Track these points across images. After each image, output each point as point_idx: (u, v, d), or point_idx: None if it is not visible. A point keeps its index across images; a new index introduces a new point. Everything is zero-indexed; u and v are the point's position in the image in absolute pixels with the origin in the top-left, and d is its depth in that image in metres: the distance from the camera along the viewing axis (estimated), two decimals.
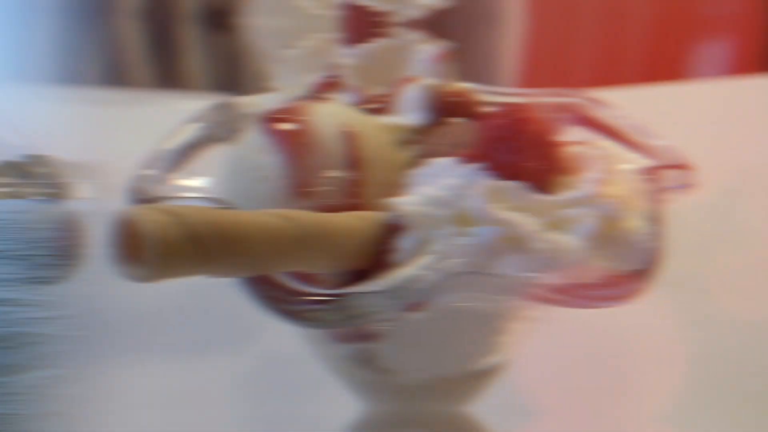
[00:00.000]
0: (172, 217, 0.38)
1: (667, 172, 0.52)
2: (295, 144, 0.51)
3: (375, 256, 0.47)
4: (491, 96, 0.70)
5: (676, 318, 0.91)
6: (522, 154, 0.45)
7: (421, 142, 0.58)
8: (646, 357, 0.88)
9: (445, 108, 0.63)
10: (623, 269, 0.44)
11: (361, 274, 0.48)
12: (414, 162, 0.56)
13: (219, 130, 0.61)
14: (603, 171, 0.46)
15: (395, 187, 0.53)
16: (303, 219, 0.44)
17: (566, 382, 0.85)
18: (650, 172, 0.52)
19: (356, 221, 0.47)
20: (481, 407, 0.58)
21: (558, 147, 0.46)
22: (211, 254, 0.39)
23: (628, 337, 0.89)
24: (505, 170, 0.45)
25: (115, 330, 0.95)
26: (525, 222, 0.43)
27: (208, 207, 0.41)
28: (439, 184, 0.47)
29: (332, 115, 0.53)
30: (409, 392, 0.53)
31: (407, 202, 0.46)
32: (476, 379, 0.54)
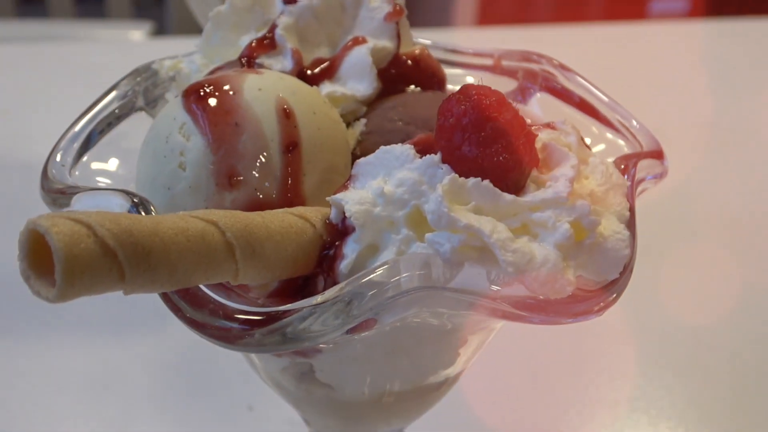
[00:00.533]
0: (83, 228, 0.32)
1: (641, 162, 0.47)
2: (221, 124, 0.44)
3: (316, 262, 0.41)
4: (451, 55, 0.63)
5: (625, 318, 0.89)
6: (488, 147, 0.39)
7: (371, 117, 0.51)
8: (597, 353, 0.86)
9: (399, 74, 0.56)
10: (596, 279, 0.39)
11: (300, 282, 0.42)
12: (362, 142, 0.50)
13: (139, 99, 0.53)
14: (575, 166, 0.40)
15: (340, 174, 0.46)
16: (232, 223, 0.37)
17: (520, 382, 0.82)
18: (625, 161, 0.47)
19: (294, 221, 0.40)
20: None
21: (528, 137, 0.40)
22: (126, 270, 0.33)
23: (579, 335, 0.86)
24: (468, 164, 0.39)
25: (26, 310, 0.88)
26: (491, 229, 0.37)
27: (123, 214, 0.34)
28: (392, 177, 0.40)
29: (266, 89, 0.45)
30: (351, 407, 0.48)
31: (354, 200, 0.40)
32: (424, 394, 0.49)
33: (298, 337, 0.36)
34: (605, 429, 0.76)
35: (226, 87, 0.45)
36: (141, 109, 0.53)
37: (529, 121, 0.52)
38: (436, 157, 0.40)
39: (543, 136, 0.43)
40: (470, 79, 0.64)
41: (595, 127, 0.55)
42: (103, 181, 0.48)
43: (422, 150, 0.41)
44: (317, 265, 0.41)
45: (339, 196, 0.41)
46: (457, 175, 0.39)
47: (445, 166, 0.39)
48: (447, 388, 0.51)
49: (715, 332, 0.86)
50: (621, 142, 0.54)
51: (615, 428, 0.76)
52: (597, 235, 0.39)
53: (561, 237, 0.38)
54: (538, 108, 0.58)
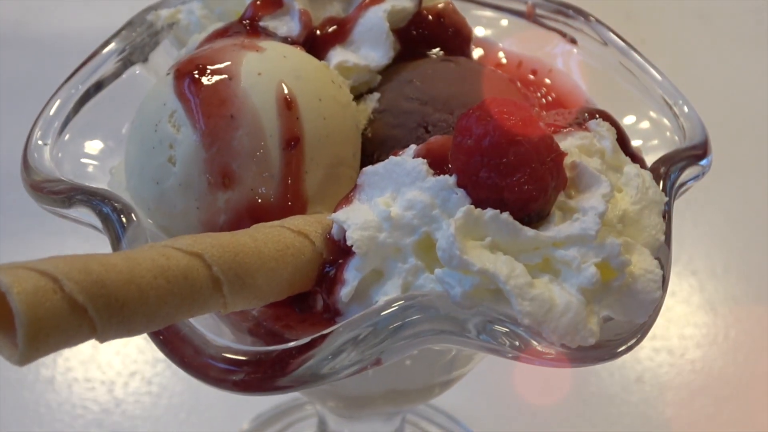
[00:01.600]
0: (48, 282, 0.28)
1: (686, 165, 0.42)
2: (215, 116, 0.39)
3: (315, 281, 0.37)
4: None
5: None
6: (510, 175, 0.34)
7: (385, 91, 0.46)
8: None
9: (419, 35, 0.50)
10: (621, 320, 0.36)
11: (297, 300, 0.39)
12: (374, 121, 0.45)
13: (135, 54, 0.48)
14: (607, 195, 0.35)
15: (348, 165, 0.42)
16: (219, 254, 0.33)
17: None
18: (665, 165, 0.42)
19: (292, 240, 0.36)
20: None
21: (556, 159, 0.35)
22: (98, 324, 0.30)
23: None
24: (486, 191, 0.35)
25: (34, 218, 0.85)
26: (507, 274, 0.33)
27: (95, 257, 0.31)
28: (401, 195, 0.36)
29: (266, 73, 0.40)
30: (356, 399, 0.47)
31: (357, 224, 0.36)
32: (432, 389, 0.47)
33: (299, 381, 0.33)
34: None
35: (222, 69, 0.40)
36: (135, 63, 0.48)
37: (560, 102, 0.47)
38: (450, 180, 0.35)
39: (574, 144, 0.37)
40: (504, 23, 0.58)
41: (636, 99, 0.50)
42: (89, 162, 0.44)
43: (435, 162, 0.37)
44: (316, 284, 0.38)
45: (341, 215, 0.37)
46: (473, 207, 0.34)
47: (461, 191, 0.35)
48: (458, 380, 0.49)
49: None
50: (666, 121, 0.49)
51: None
52: (626, 275, 0.35)
53: (586, 281, 0.34)
54: (579, 72, 0.52)
